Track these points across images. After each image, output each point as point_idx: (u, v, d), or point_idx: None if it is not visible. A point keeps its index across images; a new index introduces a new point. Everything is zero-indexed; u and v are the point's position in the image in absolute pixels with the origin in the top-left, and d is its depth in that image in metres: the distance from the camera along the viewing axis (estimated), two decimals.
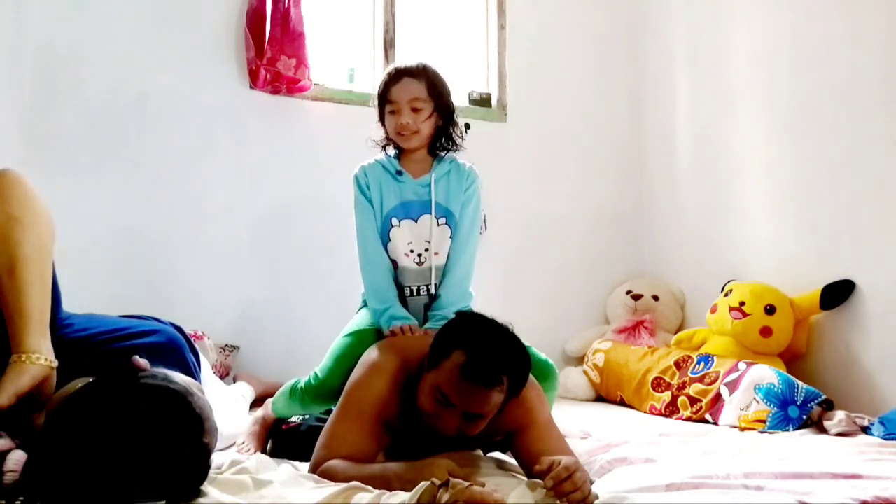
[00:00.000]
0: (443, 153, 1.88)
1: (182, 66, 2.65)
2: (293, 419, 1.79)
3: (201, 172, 2.66)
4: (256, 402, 2.38)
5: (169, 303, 2.43)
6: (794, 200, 2.61)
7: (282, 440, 1.76)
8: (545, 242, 3.25)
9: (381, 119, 1.86)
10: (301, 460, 1.53)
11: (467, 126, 3.11)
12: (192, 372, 1.52)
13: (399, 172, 1.84)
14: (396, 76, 1.81)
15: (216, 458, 1.29)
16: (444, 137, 1.87)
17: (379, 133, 1.89)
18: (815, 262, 2.50)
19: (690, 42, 3.16)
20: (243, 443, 1.79)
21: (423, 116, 1.79)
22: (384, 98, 1.82)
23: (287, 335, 2.71)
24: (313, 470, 1.36)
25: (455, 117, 1.88)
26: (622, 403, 2.69)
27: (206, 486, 1.13)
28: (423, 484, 1.06)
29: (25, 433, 1.11)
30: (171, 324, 1.72)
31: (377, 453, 1.41)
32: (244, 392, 2.29)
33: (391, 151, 1.89)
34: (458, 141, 1.89)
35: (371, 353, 1.51)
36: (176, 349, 1.45)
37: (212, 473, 1.18)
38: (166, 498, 1.02)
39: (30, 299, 1.12)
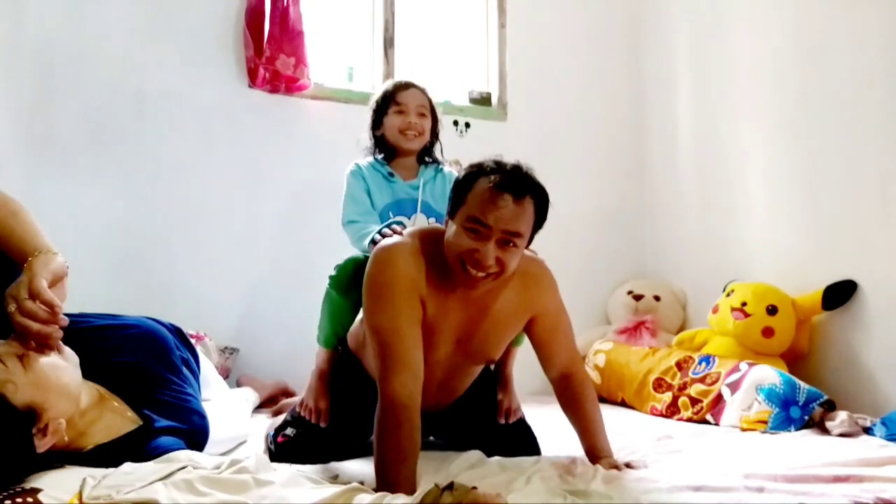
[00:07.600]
0: (428, 161, 2.04)
1: (180, 64, 2.64)
2: (287, 432, 1.75)
3: (200, 171, 2.65)
4: (261, 406, 2.38)
5: (168, 303, 2.42)
6: (796, 200, 2.60)
7: (279, 452, 1.71)
8: (545, 242, 3.16)
9: (375, 125, 2.00)
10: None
11: (467, 125, 3.13)
12: (175, 363, 1.54)
13: (391, 174, 1.99)
14: (406, 85, 1.99)
15: (215, 459, 1.28)
16: (430, 148, 2.05)
17: (367, 140, 2.04)
18: (816, 262, 2.49)
19: (691, 41, 3.15)
20: (304, 405, 1.74)
21: (427, 123, 1.99)
22: (390, 100, 1.96)
23: (287, 336, 2.70)
24: (390, 392, 1.31)
25: (437, 136, 2.06)
26: (623, 404, 2.68)
27: (204, 487, 1.11)
28: (426, 487, 1.06)
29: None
30: (172, 325, 1.72)
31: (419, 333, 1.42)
32: (248, 396, 2.28)
33: (379, 157, 2.02)
34: (440, 157, 2.08)
35: (379, 248, 1.49)
36: (154, 339, 1.52)
37: (211, 473, 1.17)
38: None
39: (40, 235, 1.23)
